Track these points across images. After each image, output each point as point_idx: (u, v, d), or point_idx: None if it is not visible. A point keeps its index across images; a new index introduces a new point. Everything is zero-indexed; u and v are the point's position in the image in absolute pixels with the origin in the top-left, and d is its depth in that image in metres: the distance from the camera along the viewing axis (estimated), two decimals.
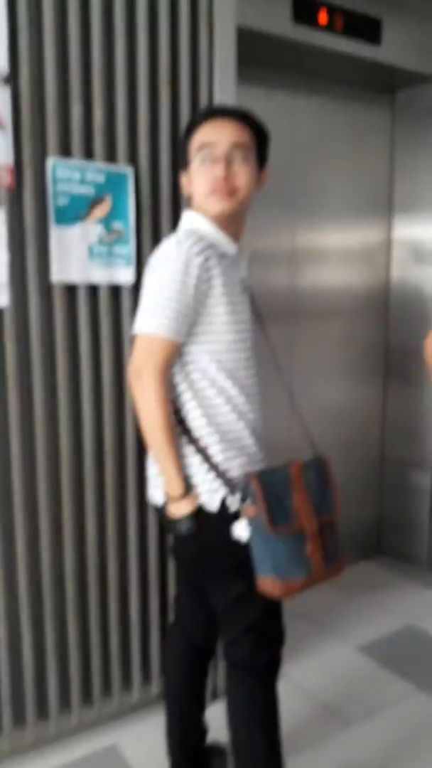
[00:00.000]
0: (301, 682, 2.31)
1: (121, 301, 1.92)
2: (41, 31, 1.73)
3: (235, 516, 1.44)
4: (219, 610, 1.56)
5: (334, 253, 3.12)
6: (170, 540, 1.68)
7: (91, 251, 1.82)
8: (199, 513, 1.44)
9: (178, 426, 1.46)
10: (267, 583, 1.42)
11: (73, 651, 1.97)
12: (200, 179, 1.49)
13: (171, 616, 2.09)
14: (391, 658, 2.46)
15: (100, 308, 1.88)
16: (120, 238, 1.87)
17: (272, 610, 1.54)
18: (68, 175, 1.76)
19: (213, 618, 1.63)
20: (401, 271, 3.25)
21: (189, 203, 1.57)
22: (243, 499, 1.42)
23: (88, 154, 1.81)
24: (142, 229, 1.92)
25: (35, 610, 1.90)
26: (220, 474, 1.44)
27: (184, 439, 1.46)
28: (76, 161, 1.77)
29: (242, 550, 1.43)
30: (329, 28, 2.57)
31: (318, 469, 1.53)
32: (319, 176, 3.00)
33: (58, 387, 1.85)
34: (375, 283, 3.27)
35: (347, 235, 3.16)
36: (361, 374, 3.31)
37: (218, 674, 2.22)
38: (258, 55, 2.64)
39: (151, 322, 1.40)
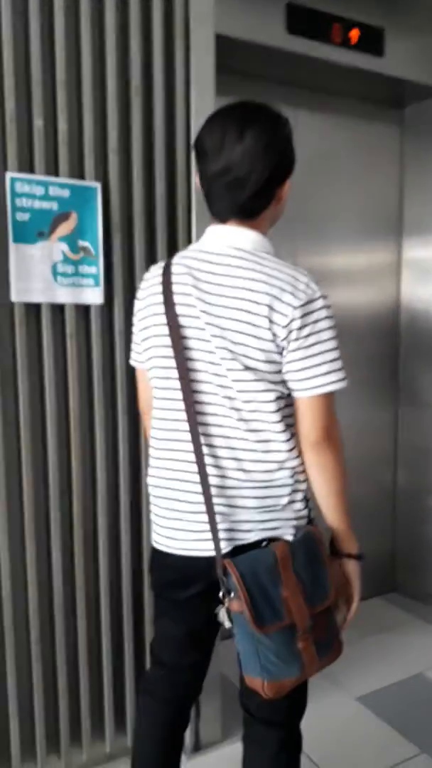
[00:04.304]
0: None
1: (90, 322, 1.81)
2: None
3: None
4: None
5: (339, 274, 2.98)
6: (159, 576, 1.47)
7: (54, 270, 1.72)
8: None
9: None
10: (256, 683, 1.26)
11: (39, 697, 1.84)
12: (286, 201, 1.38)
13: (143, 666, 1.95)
14: (393, 712, 2.26)
15: (67, 330, 1.78)
16: (87, 257, 1.76)
17: None
18: (29, 190, 1.67)
19: (207, 659, 1.50)
20: (411, 292, 3.09)
21: (269, 215, 1.34)
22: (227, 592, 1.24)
23: (53, 169, 1.72)
24: (113, 247, 1.81)
25: None
26: None
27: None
28: (39, 176, 1.69)
29: None
30: (326, 39, 2.46)
31: (308, 548, 1.30)
32: (323, 196, 2.87)
33: (20, 416, 1.74)
34: (384, 305, 3.12)
35: (353, 257, 3.02)
36: (370, 397, 3.13)
37: (201, 724, 2.06)
38: (254, 68, 2.55)
39: (341, 375, 1.27)
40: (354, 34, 2.51)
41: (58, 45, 1.70)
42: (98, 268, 1.78)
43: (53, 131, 1.71)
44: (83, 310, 1.80)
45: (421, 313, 3.04)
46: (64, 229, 1.73)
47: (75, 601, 1.87)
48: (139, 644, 1.98)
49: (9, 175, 1.65)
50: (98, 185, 1.76)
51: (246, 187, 1.25)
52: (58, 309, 1.76)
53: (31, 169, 1.69)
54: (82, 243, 1.75)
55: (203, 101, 1.90)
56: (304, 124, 2.76)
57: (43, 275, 1.71)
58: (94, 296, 1.79)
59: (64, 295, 1.74)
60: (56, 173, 1.72)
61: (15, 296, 1.68)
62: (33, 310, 1.73)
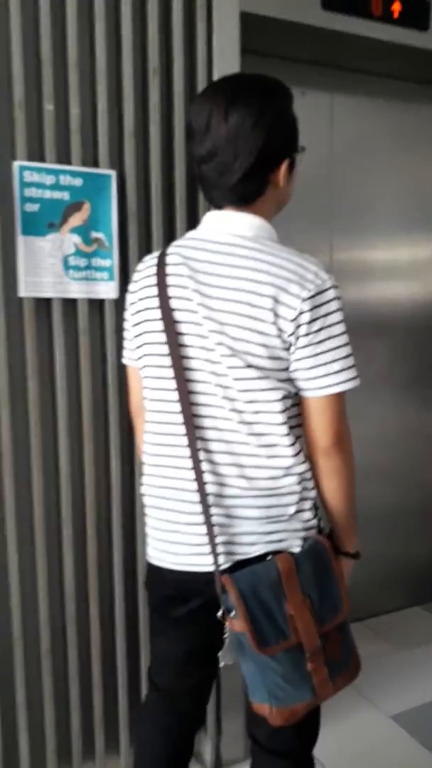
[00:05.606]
0: (317, 755, 2.00)
1: (104, 318, 1.72)
2: (7, 11, 1.54)
3: None
4: None
5: (379, 268, 2.82)
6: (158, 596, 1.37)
7: (66, 264, 1.63)
8: None
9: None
10: (263, 710, 1.16)
11: (49, 710, 1.76)
12: (293, 184, 1.26)
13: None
14: (429, 733, 2.11)
15: (80, 326, 1.69)
16: (101, 249, 1.67)
17: None
18: (38, 179, 1.58)
19: (208, 684, 1.40)
20: None
21: (268, 200, 1.21)
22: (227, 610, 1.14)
23: (64, 157, 1.63)
24: (128, 238, 1.71)
25: None
26: None
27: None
28: (49, 165, 1.59)
29: None
30: (366, 13, 2.30)
31: (315, 559, 1.18)
32: (362, 185, 2.71)
33: (30, 417, 1.66)
34: (427, 300, 2.95)
35: (394, 250, 2.85)
36: (412, 395, 2.97)
37: (222, 741, 1.96)
38: (286, 50, 2.41)
39: (354, 372, 1.15)
40: (396, 7, 2.34)
41: (70, 22, 1.60)
42: (113, 261, 1.69)
43: (64, 116, 1.62)
44: (97, 305, 1.71)
45: None
46: (77, 219, 1.63)
47: (89, 611, 1.79)
48: (135, 658, 1.89)
49: (17, 164, 1.56)
50: (113, 173, 1.66)
51: (233, 172, 1.14)
52: (70, 304, 1.68)
53: (41, 158, 1.61)
54: (95, 234, 1.66)
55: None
56: (341, 108, 2.60)
57: (53, 269, 1.62)
58: (108, 290, 1.69)
59: (77, 290, 1.65)
60: (68, 161, 1.63)
61: (24, 291, 1.60)
62: (43, 305, 1.65)
